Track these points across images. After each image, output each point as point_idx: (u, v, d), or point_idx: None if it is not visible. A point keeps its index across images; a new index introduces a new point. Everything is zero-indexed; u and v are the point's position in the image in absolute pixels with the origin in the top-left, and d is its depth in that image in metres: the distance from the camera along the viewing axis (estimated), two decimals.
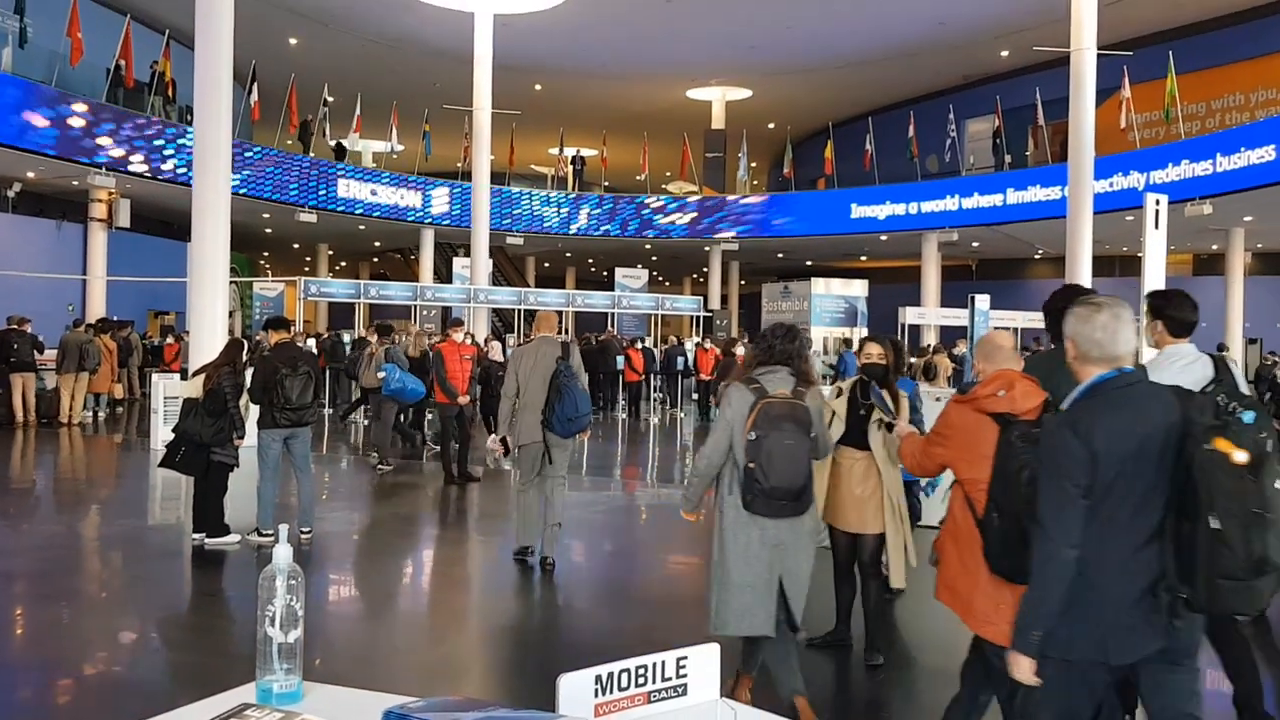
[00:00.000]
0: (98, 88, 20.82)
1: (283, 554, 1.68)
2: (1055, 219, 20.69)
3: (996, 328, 23.64)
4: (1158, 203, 11.75)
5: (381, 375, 11.45)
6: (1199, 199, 19.66)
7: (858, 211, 27.85)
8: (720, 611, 4.21)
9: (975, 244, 28.79)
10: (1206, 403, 2.73)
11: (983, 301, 21.76)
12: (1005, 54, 26.70)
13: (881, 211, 27.51)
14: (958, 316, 23.72)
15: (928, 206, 26.69)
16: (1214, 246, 26.28)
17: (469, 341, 12.64)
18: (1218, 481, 2.59)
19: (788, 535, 4.17)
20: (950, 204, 26.23)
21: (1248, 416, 2.64)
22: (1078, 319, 2.84)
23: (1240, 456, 2.58)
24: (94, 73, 20.77)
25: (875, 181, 27.55)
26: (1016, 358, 3.72)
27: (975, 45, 26.09)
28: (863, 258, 34.56)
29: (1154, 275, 11.40)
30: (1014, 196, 24.75)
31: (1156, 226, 11.38)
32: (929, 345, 22.03)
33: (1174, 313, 3.96)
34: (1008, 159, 25.88)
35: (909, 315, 24.55)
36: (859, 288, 25.58)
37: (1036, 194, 24.03)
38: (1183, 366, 3.84)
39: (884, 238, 28.59)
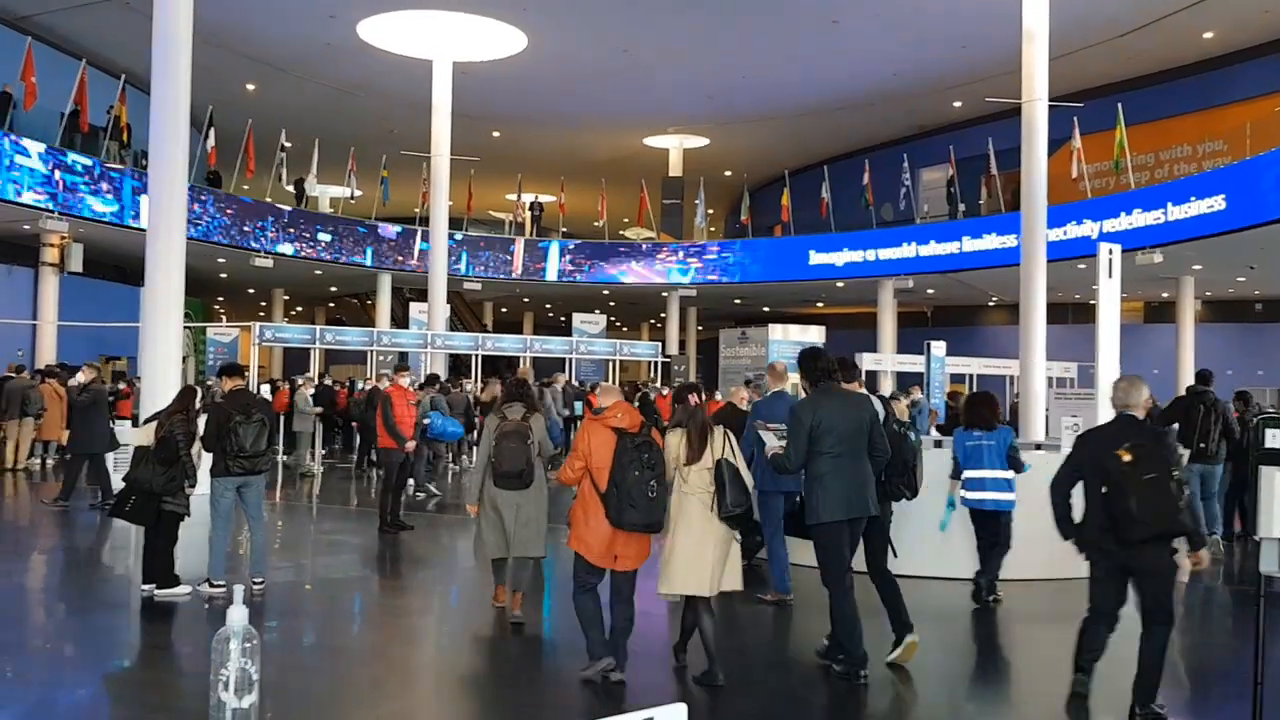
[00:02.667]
0: (51, 133, 20.58)
1: (237, 615, 1.61)
2: (1009, 266, 20.99)
3: (952, 373, 23.92)
4: (1110, 252, 11.95)
5: (426, 421, 12.57)
6: (1149, 248, 20.04)
7: (816, 258, 28.12)
8: (477, 546, 7.10)
9: (930, 291, 29.14)
10: None
11: (938, 348, 21.98)
12: (958, 104, 27.22)
13: (839, 259, 27.79)
14: (914, 362, 23.92)
15: (884, 254, 27.00)
16: (1164, 294, 26.79)
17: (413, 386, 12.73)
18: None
19: (519, 498, 6.79)
20: (906, 251, 26.55)
21: None
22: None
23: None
24: (48, 117, 20.53)
25: (832, 229, 27.85)
26: (618, 393, 5.99)
27: (928, 96, 26.59)
28: (819, 304, 34.85)
29: (1108, 323, 11.56)
30: (969, 244, 25.10)
31: (1110, 275, 11.55)
32: (891, 393, 22.20)
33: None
34: (961, 207, 26.30)
35: (866, 361, 24.68)
36: (815, 334, 25.74)
37: (990, 242, 24.39)
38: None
39: (840, 284, 28.86)
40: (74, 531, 11.08)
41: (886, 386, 24.81)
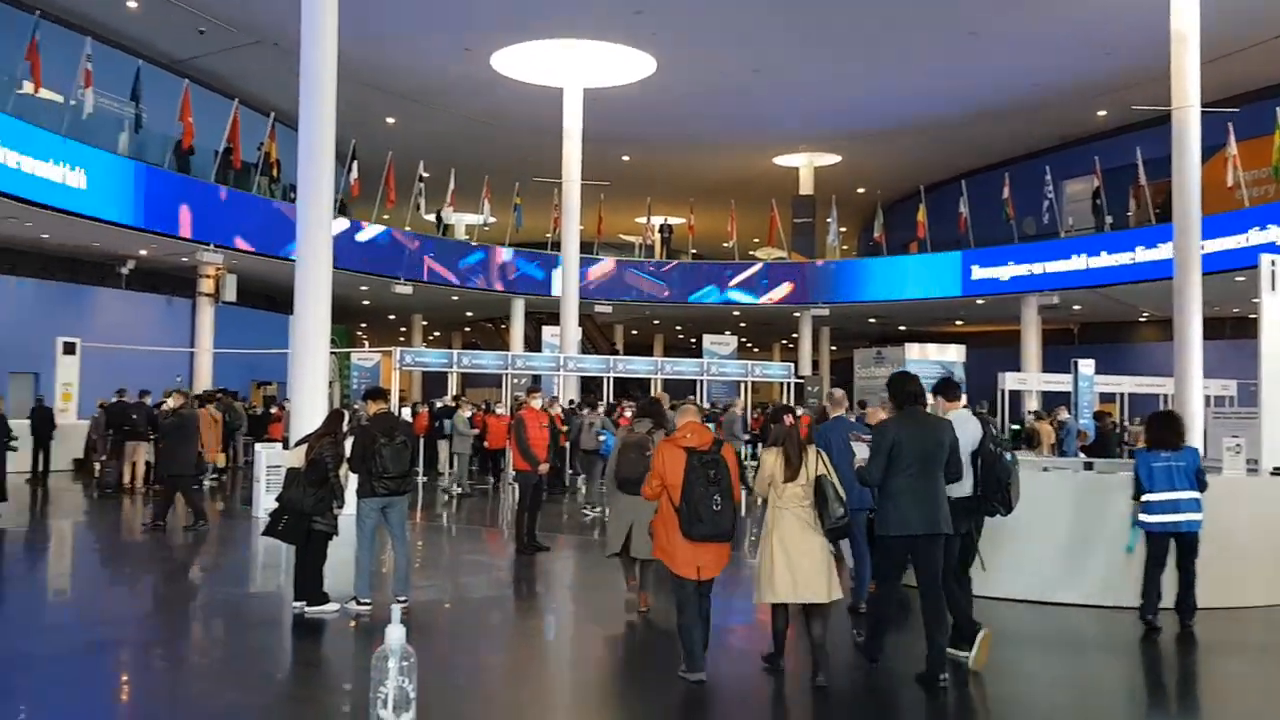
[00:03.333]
0: (207, 169, 21.75)
1: (395, 635, 1.61)
2: (1161, 280, 20.02)
3: (1101, 393, 22.90)
4: (1274, 263, 11.27)
5: (602, 438, 13.92)
6: None
7: (977, 273, 27.20)
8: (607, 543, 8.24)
9: (1076, 307, 28.03)
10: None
11: (1086, 366, 21.13)
12: (1102, 113, 26.20)
13: (989, 273, 26.92)
14: (1060, 382, 23.03)
15: (1027, 268, 26.11)
16: None
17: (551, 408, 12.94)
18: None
19: (640, 504, 7.05)
20: (1050, 266, 25.61)
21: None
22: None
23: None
24: (204, 155, 21.72)
25: (971, 244, 27.11)
26: (695, 413, 6.27)
27: (1071, 105, 25.67)
28: (958, 322, 33.93)
29: (1272, 337, 10.89)
30: (1117, 258, 24.06)
31: (1274, 288, 10.89)
32: (1035, 412, 21.39)
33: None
34: (1108, 220, 25.23)
35: (1009, 381, 23.89)
36: (955, 353, 25.03)
37: (1140, 255, 23.33)
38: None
39: (980, 301, 28.04)
40: (229, 548, 11.57)
41: (1031, 405, 23.96)
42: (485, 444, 17.67)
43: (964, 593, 6.55)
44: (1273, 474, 9.21)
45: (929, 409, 6.36)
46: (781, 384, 25.92)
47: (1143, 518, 7.60)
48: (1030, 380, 25.04)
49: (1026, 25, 20.42)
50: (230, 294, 23.11)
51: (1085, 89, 24.37)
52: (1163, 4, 16.93)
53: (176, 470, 12.50)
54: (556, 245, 25.64)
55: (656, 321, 36.73)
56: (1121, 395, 24.11)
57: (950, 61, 22.68)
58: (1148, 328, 31.52)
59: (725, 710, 5.85)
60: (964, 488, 6.34)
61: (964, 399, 6.98)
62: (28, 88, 17.79)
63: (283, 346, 15.46)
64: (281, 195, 23.24)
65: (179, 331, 23.59)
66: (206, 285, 23.09)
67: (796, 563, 5.90)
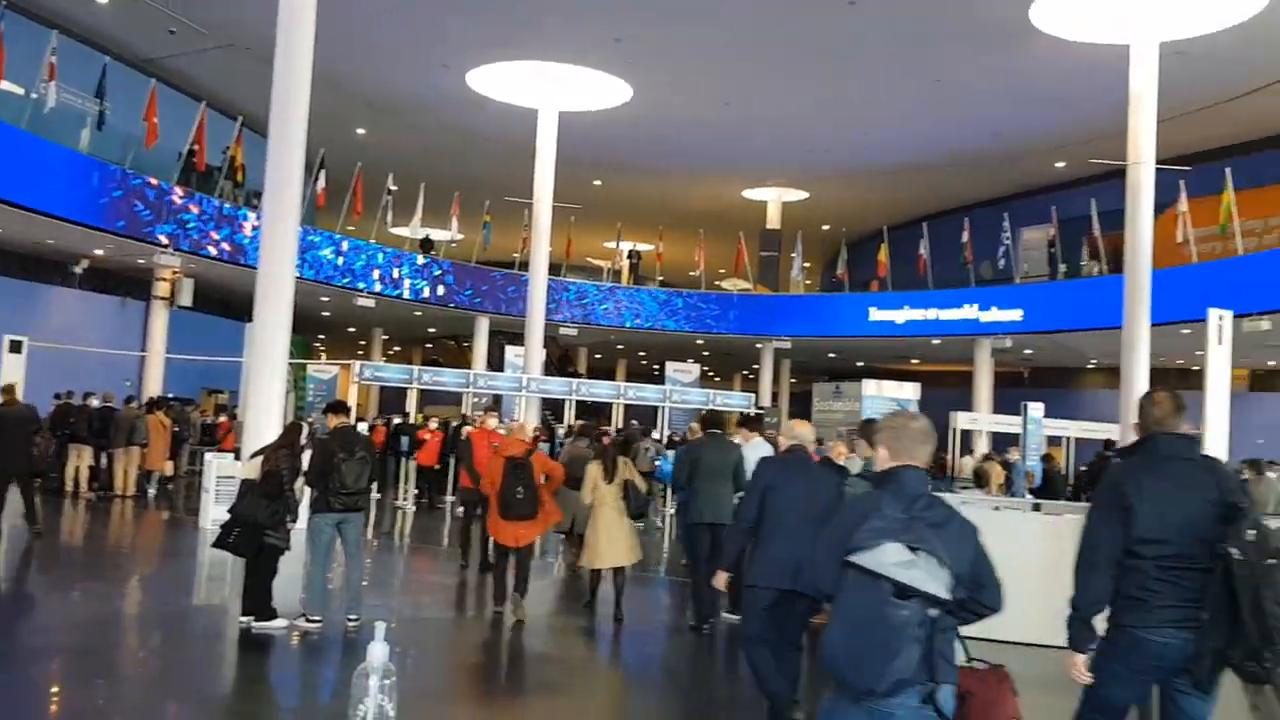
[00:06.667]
0: (170, 170, 21.50)
1: (378, 652, 1.65)
2: (1111, 329, 20.45)
3: (1050, 436, 23.28)
4: (1220, 318, 11.61)
5: (658, 463, 14.69)
6: (1257, 314, 19.36)
7: (909, 314, 27.71)
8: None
9: (1028, 351, 28.51)
10: None
11: (1036, 409, 21.46)
12: (1061, 165, 26.77)
13: (934, 314, 27.36)
14: (1010, 423, 23.38)
15: (982, 313, 26.54)
16: (1270, 363, 25.78)
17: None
18: None
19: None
20: (1004, 312, 26.06)
21: None
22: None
23: None
24: (166, 156, 21.46)
25: (929, 285, 27.52)
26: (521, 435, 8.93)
27: (1031, 155, 26.22)
28: (914, 360, 34.35)
29: (1217, 389, 11.21)
30: (1069, 306, 24.54)
31: (1220, 341, 11.24)
32: (985, 454, 21.71)
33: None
34: (1062, 268, 25.77)
35: (960, 420, 24.23)
36: (910, 390, 25.38)
37: (1091, 304, 23.82)
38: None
39: (936, 341, 28.44)
40: (175, 559, 11.41)
41: (981, 446, 24.32)
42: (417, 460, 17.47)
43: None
44: None
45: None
46: (740, 413, 25.92)
47: None
48: (981, 420, 25.41)
49: (990, 77, 20.88)
50: (186, 298, 22.84)
51: (1045, 141, 24.91)
52: (1122, 64, 17.44)
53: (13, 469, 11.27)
54: (524, 265, 25.65)
55: (621, 346, 36.80)
56: (1068, 439, 24.53)
57: (916, 107, 23.11)
58: (1095, 374, 32.16)
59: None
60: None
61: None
62: None
63: (238, 354, 15.33)
64: (245, 201, 23.05)
65: (131, 334, 23.22)
66: (162, 288, 22.81)
67: (613, 538, 8.54)
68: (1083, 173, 24.90)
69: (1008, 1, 16.98)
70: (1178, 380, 27.49)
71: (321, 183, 23.93)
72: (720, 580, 5.83)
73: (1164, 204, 20.13)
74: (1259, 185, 23.28)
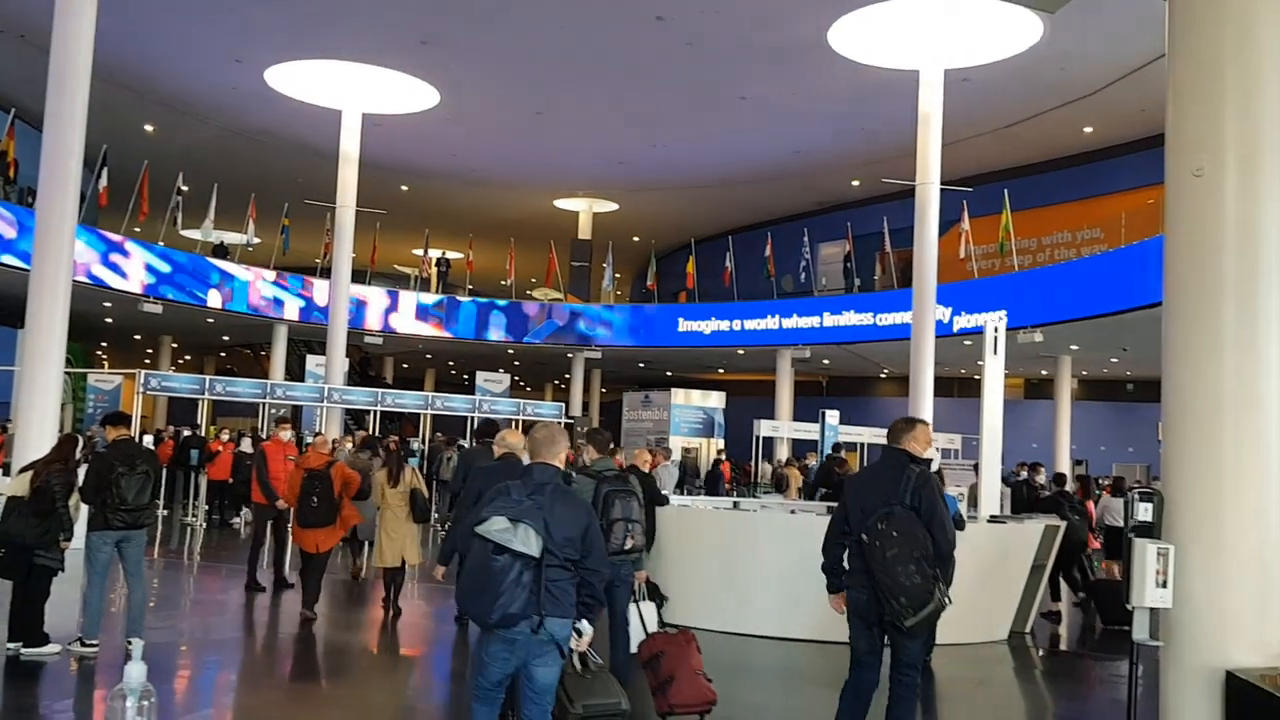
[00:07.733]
0: None
1: (135, 672, 1.56)
2: (901, 341, 21.64)
3: (843, 442, 24.40)
4: (996, 328, 12.42)
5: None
6: (1030, 327, 20.89)
7: (715, 325, 28.48)
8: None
9: (826, 361, 29.77)
10: None
11: (832, 417, 22.45)
12: (856, 183, 28.13)
13: (739, 325, 28.20)
14: (809, 430, 24.36)
15: (783, 323, 27.55)
16: (1043, 372, 27.88)
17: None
18: None
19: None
20: (804, 322, 27.15)
21: None
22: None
23: None
24: None
25: (735, 297, 28.36)
26: (322, 448, 9.67)
27: (828, 174, 27.43)
28: (720, 370, 35.28)
29: (992, 397, 11.97)
30: (864, 318, 25.79)
31: (995, 351, 11.99)
32: (782, 459, 22.56)
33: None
34: (857, 282, 27.10)
35: (763, 428, 25.09)
36: (716, 399, 26.11)
37: (885, 317, 25.12)
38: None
39: (741, 352, 29.31)
40: None
41: (783, 452, 25.27)
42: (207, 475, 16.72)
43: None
44: (990, 521, 10.09)
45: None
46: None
47: None
48: (782, 428, 26.38)
49: (790, 97, 21.70)
50: None
51: (842, 159, 26.11)
52: (912, 88, 18.50)
53: None
54: (326, 272, 24.84)
55: (429, 356, 36.18)
56: (861, 445, 25.78)
57: (721, 124, 23.77)
58: (887, 384, 33.94)
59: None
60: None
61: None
62: None
63: (8, 363, 14.23)
64: (18, 198, 21.37)
65: None
66: None
67: (392, 539, 9.32)
68: (876, 191, 26.23)
69: (808, 24, 17.64)
70: (961, 389, 29.34)
71: (104, 180, 22.46)
72: (438, 573, 5.99)
73: (950, 222, 21.50)
74: (1034, 206, 25.22)
